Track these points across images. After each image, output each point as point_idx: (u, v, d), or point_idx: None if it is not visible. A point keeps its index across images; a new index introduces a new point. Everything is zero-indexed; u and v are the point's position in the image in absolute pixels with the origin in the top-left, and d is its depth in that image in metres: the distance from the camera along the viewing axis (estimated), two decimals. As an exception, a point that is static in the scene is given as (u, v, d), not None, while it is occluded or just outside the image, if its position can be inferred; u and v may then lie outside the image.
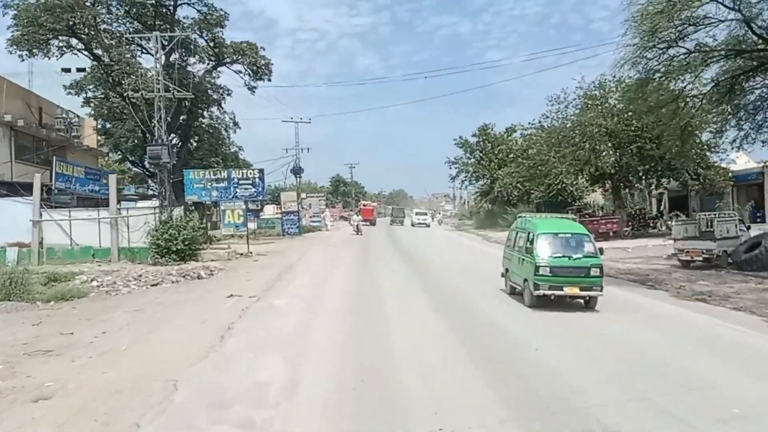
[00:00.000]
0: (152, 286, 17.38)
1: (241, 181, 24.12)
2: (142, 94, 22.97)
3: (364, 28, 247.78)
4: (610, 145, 31.92)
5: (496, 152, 53.50)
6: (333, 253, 25.38)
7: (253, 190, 24.25)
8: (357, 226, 39.69)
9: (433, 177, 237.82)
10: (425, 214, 64.36)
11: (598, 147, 32.41)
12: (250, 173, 24.64)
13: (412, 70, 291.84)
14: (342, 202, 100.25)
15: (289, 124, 52.29)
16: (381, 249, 29.02)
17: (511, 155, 53.96)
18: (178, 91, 23.37)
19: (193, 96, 23.88)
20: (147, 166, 29.48)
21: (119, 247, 23.91)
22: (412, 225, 58.41)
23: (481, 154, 54.64)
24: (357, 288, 15.12)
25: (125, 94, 23.73)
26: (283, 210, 38.77)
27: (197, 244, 23.33)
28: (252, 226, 41.08)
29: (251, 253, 23.92)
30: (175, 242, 22.21)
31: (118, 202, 25.87)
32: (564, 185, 45.61)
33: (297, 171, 50.97)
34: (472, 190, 73.64)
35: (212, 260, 22.79)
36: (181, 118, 32.87)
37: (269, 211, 59.86)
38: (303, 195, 61.71)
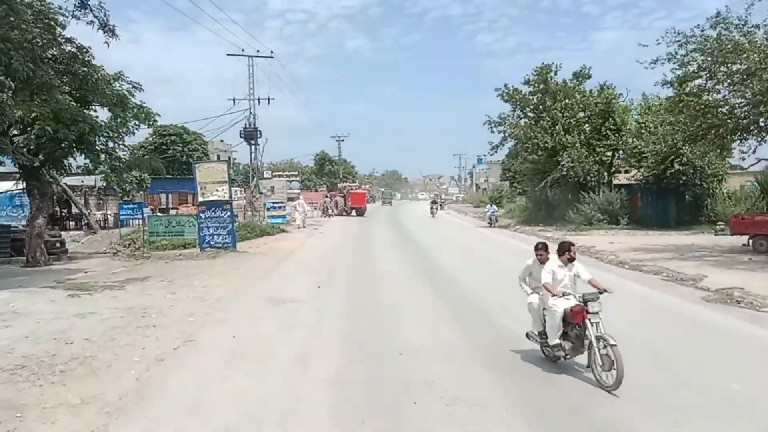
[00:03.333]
0: None
1: None
2: None
3: (354, 9, 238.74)
4: None
5: (561, 109, 34.51)
6: None
7: None
8: None
9: (426, 159, 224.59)
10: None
11: None
12: None
13: (402, 52, 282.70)
14: (327, 184, 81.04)
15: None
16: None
17: (585, 113, 35.08)
18: None
19: None
20: None
21: None
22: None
23: (537, 112, 35.53)
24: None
25: None
26: (200, 201, 19.61)
27: None
28: (126, 230, 21.73)
29: None
30: None
31: None
32: (680, 155, 27.26)
33: (251, 134, 31.76)
34: (511, 163, 54.85)
35: None
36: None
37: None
38: (267, 174, 42.85)
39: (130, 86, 22.27)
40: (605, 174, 34.51)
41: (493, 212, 35.87)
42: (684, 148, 23.58)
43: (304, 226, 34.17)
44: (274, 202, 29.23)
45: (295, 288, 12.65)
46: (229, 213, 19.80)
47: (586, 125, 35.41)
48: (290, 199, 36.98)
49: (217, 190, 19.70)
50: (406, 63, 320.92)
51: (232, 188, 41.80)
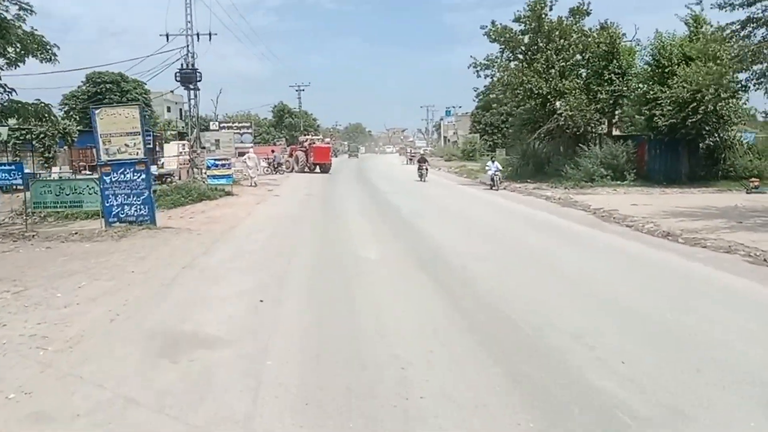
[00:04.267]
0: None
1: None
2: None
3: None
4: None
5: (557, 50, 29.49)
6: None
7: None
8: None
9: (390, 112, 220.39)
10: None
11: None
12: None
13: (364, 4, 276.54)
14: (286, 137, 75.06)
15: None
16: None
17: (583, 55, 30.29)
18: None
19: None
20: None
21: None
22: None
23: (530, 54, 30.41)
24: None
25: None
26: (102, 160, 14.22)
27: None
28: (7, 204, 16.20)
29: None
30: None
31: None
32: (703, 101, 23.26)
33: (188, 76, 25.90)
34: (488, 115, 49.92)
35: None
36: None
37: (172, 152, 35.23)
38: (214, 126, 36.83)
39: (17, 8, 16.51)
40: (606, 124, 30.01)
41: (495, 171, 28.00)
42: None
43: (255, 185, 28.91)
44: (216, 159, 23.46)
45: (221, 305, 7.64)
46: (144, 175, 14.43)
47: (583, 69, 30.69)
48: (241, 155, 31.44)
49: (126, 145, 14.26)
50: (367, 15, 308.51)
51: (179, 144, 35.79)
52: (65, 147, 36.83)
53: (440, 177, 39.65)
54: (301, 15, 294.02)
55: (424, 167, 33.61)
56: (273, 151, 39.72)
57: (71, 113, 50.65)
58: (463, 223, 16.21)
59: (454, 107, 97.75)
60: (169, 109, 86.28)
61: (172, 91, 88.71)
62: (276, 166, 39.08)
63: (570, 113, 27.94)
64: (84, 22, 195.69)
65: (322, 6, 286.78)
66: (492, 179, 27.59)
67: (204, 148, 29.03)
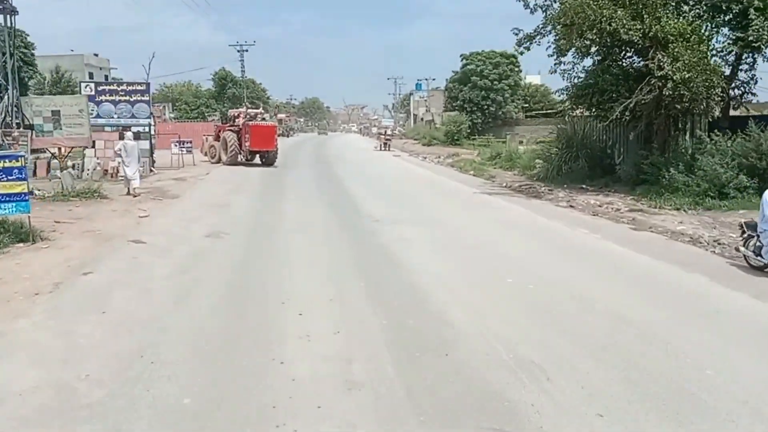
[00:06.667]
0: None
1: None
2: None
3: None
4: None
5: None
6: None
7: None
8: None
9: (349, 88, 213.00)
10: None
11: None
12: None
13: None
14: (226, 110, 61.42)
15: None
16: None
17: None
18: None
19: None
20: None
21: None
22: None
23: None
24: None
25: None
26: None
27: None
28: None
29: None
30: None
31: None
32: None
33: None
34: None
35: None
36: None
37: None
38: (88, 90, 22.66)
39: None
40: (725, 95, 18.21)
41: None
42: None
43: (135, 194, 16.20)
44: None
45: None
46: None
47: (688, 4, 18.80)
48: (122, 138, 18.50)
49: None
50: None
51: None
52: None
53: (430, 171, 27.39)
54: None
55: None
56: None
57: None
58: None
59: (426, 79, 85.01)
60: (92, 75, 70.93)
61: (95, 54, 72.98)
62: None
63: (686, 75, 16.07)
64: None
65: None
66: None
67: (31, 126, 15.96)
